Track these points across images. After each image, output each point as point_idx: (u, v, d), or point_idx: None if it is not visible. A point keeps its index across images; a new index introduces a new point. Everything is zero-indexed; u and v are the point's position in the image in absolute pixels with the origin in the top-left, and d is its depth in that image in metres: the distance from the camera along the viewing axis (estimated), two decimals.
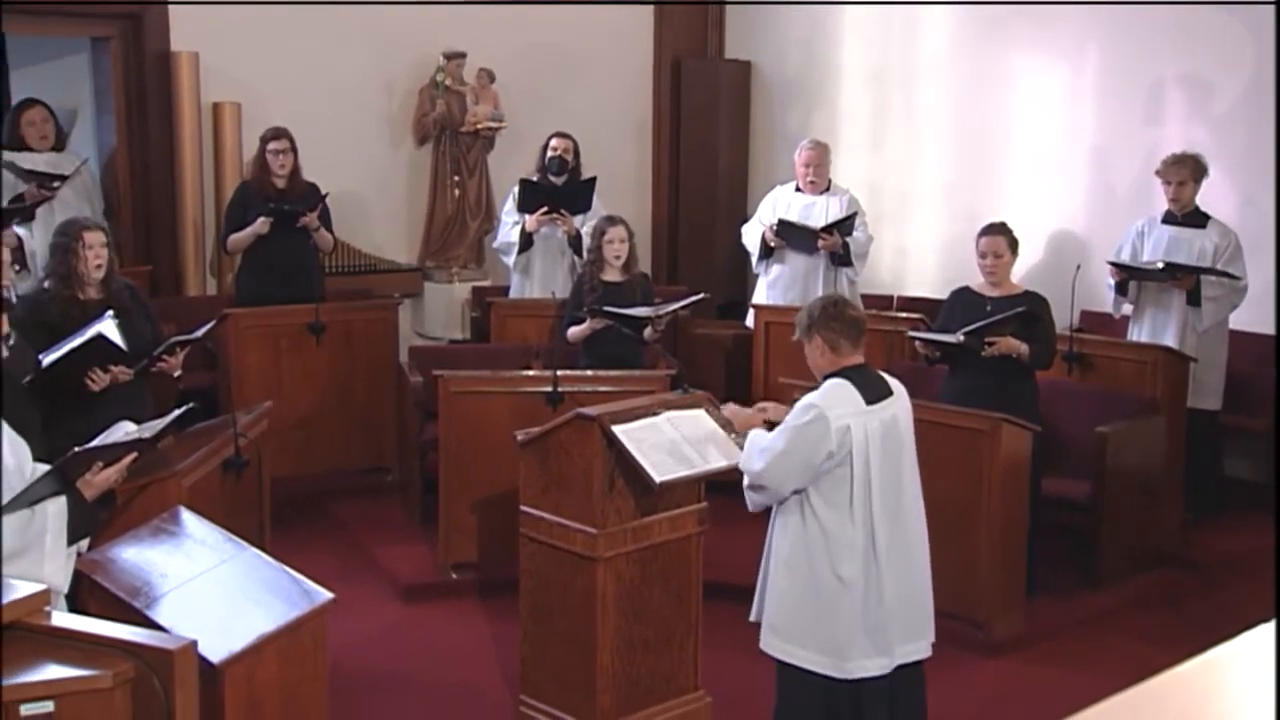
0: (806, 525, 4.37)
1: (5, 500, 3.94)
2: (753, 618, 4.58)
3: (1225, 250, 7.08)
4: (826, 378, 4.42)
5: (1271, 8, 7.35)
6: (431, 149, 9.34)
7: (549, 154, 8.28)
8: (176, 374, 5.80)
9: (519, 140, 9.12)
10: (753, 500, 4.50)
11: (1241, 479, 7.59)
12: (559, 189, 8.13)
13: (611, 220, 7.17)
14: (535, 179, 8.20)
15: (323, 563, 5.83)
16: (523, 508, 5.13)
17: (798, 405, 4.41)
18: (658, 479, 4.76)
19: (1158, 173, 7.22)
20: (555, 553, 5.01)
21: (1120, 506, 6.56)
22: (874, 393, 4.40)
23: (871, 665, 4.37)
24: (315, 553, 6.27)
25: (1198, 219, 7.17)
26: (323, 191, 7.89)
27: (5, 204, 7.20)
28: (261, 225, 7.64)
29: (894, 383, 4.52)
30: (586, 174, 8.28)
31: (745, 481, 4.50)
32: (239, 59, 8.69)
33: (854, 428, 4.30)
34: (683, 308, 7.27)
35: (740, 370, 8.14)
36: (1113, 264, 7.22)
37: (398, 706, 5.48)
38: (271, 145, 7.81)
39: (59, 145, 8.50)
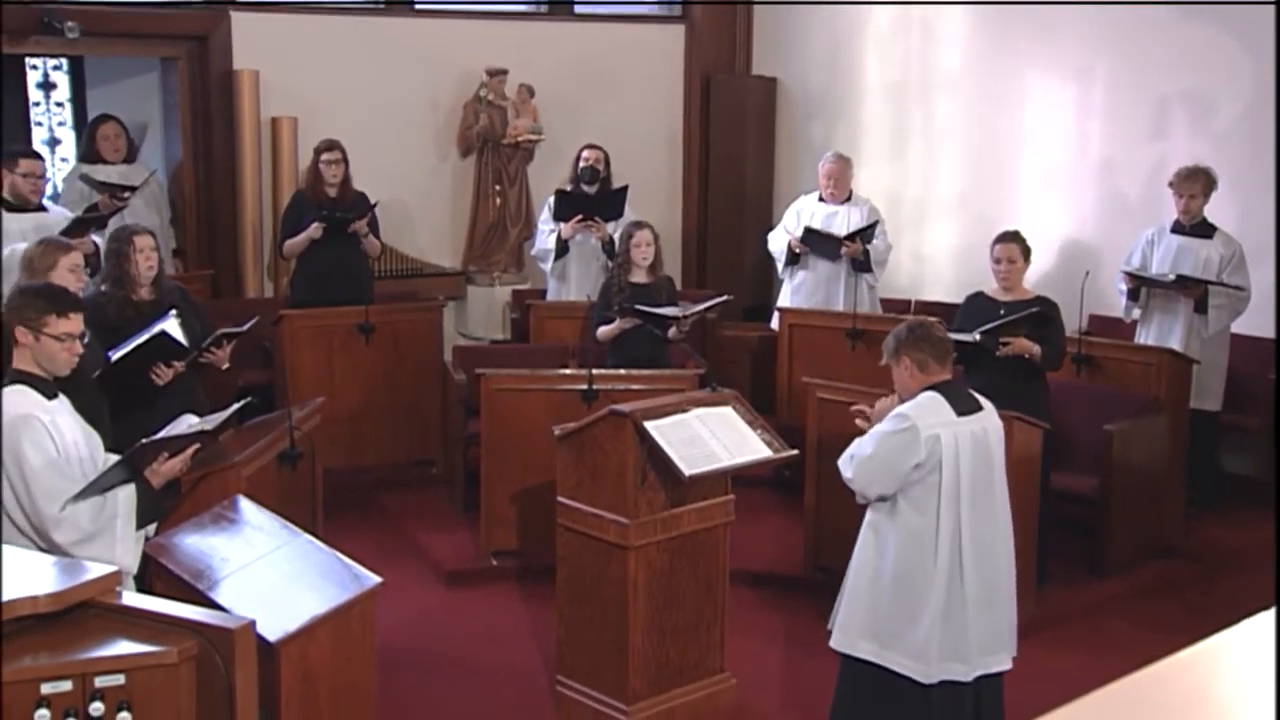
0: (895, 531, 4.31)
1: (80, 488, 4.00)
2: (831, 624, 4.50)
3: (1230, 260, 7.05)
4: (919, 392, 4.35)
5: (1270, 28, 7.31)
6: (475, 160, 9.37)
7: (581, 164, 8.31)
8: (224, 366, 5.81)
9: (557, 152, 9.14)
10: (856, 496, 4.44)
11: (1240, 475, 7.54)
12: (592, 198, 8.15)
13: (639, 224, 7.17)
14: (569, 189, 8.22)
15: (371, 549, 5.85)
16: (559, 498, 5.14)
17: (891, 414, 4.36)
18: (687, 472, 4.76)
19: (1171, 184, 7.19)
20: (590, 541, 5.02)
21: (1125, 500, 6.53)
22: (964, 406, 4.33)
23: (951, 670, 4.29)
24: (364, 539, 6.29)
25: (1204, 229, 7.14)
26: (372, 201, 7.92)
27: (82, 213, 7.27)
28: (315, 230, 7.69)
29: (984, 401, 4.44)
30: (618, 183, 8.30)
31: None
32: (296, 77, 8.75)
33: (944, 437, 4.23)
34: (708, 309, 7.26)
35: (765, 370, 8.13)
36: (1128, 273, 7.19)
37: (441, 684, 5.50)
38: (324, 156, 7.86)
39: (130, 157, 8.62)
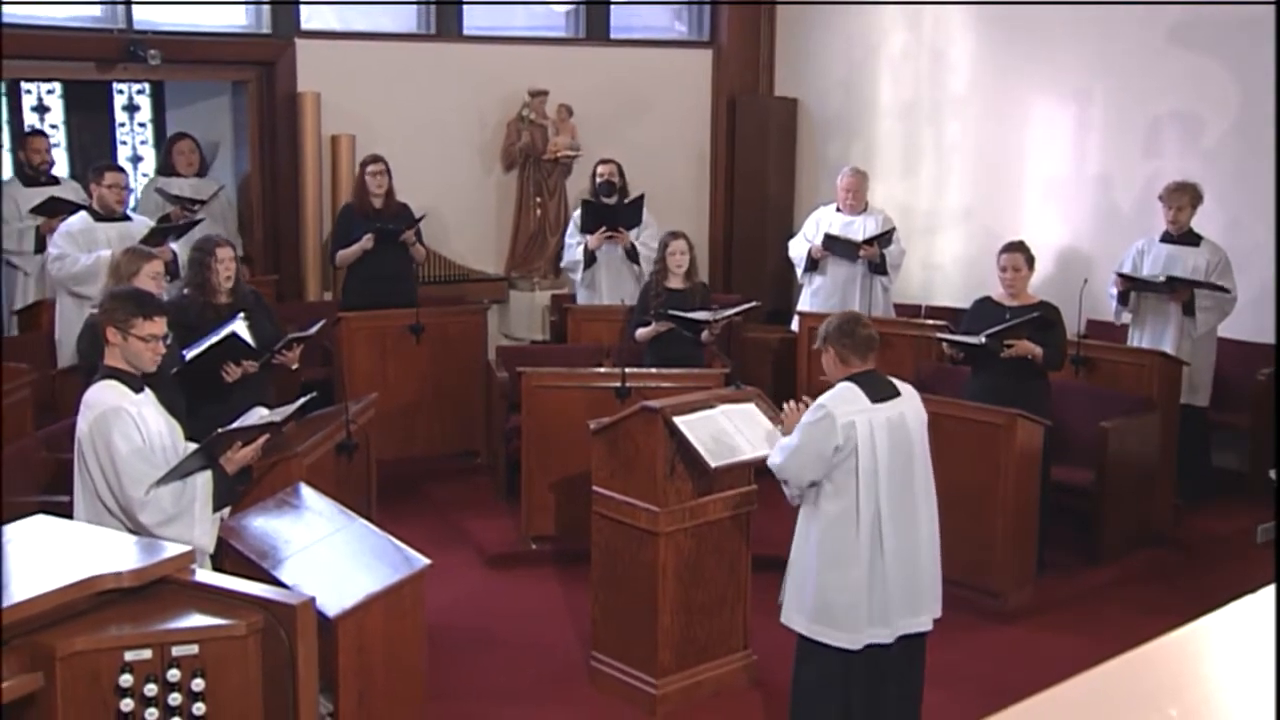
0: (820, 511, 4.32)
1: (163, 474, 4.05)
2: (781, 599, 4.52)
3: (1216, 266, 7.01)
4: (838, 383, 4.39)
5: (1256, 55, 7.26)
6: (517, 174, 9.40)
7: (598, 179, 8.35)
8: (294, 367, 5.86)
9: (593, 167, 9.15)
10: (788, 494, 4.44)
11: (1227, 468, 7.50)
12: (613, 209, 8.16)
13: (674, 234, 7.16)
14: (591, 201, 8.24)
15: (420, 533, 5.85)
16: (594, 488, 5.15)
17: (810, 406, 4.39)
18: (713, 464, 4.77)
19: (1160, 197, 7.15)
20: (622, 528, 5.04)
21: (1119, 492, 6.49)
22: (880, 393, 4.33)
23: (874, 635, 4.30)
24: (414, 525, 6.29)
25: (1192, 238, 7.10)
26: (414, 210, 7.95)
27: (157, 223, 7.34)
28: (367, 241, 7.71)
29: (904, 386, 4.45)
30: (646, 194, 8.28)
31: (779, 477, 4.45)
32: (354, 98, 8.80)
33: (859, 423, 4.24)
34: (737, 314, 7.25)
35: (786, 370, 8.13)
36: (1120, 275, 7.15)
37: (484, 659, 5.52)
38: (370, 168, 7.89)
39: (202, 172, 8.72)
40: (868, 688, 4.37)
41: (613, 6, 9.79)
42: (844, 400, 4.29)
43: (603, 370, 6.76)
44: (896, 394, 4.38)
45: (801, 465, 4.31)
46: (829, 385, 4.49)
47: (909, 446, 4.36)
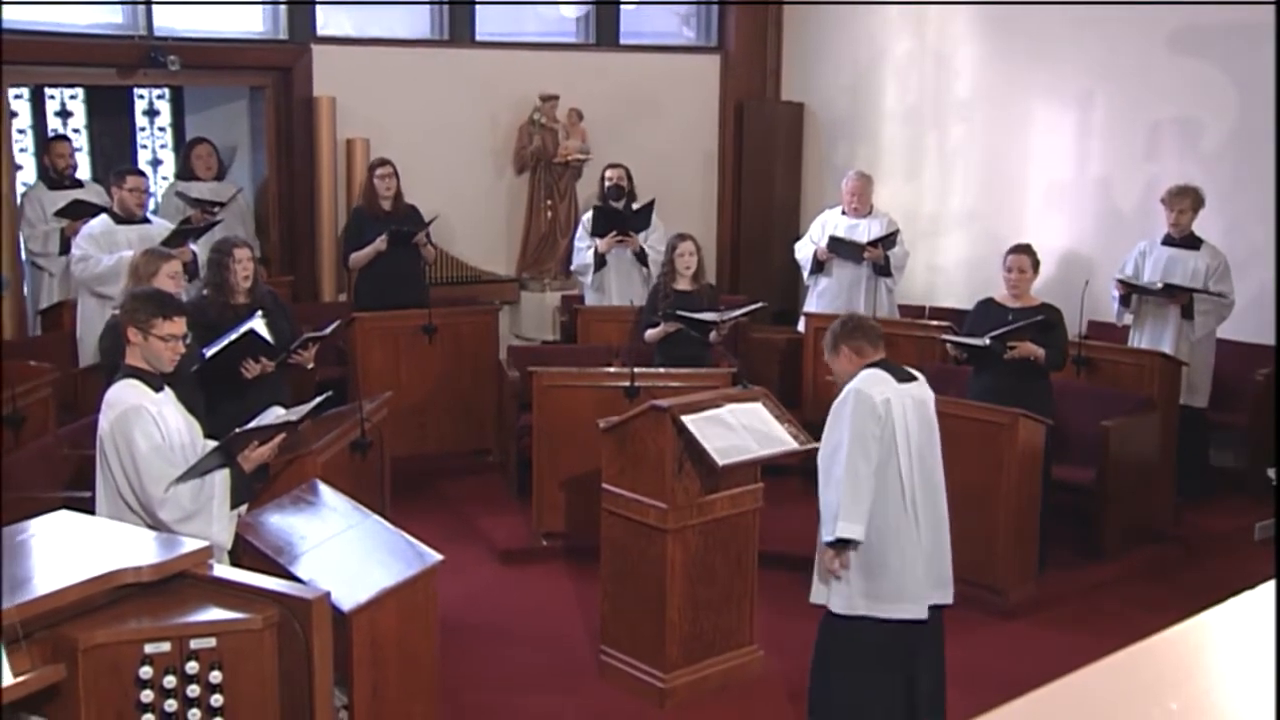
0: None
1: (182, 472, 4.06)
2: (812, 599, 4.53)
3: (1216, 269, 6.99)
4: (859, 371, 4.42)
5: (1254, 61, 7.24)
6: (528, 177, 9.40)
7: (606, 183, 8.35)
8: (309, 366, 5.88)
9: (601, 171, 9.16)
10: (850, 534, 4.29)
11: (1225, 467, 7.48)
12: (623, 214, 8.16)
13: (682, 237, 7.15)
14: (602, 205, 8.24)
15: (433, 529, 5.87)
16: (604, 485, 5.15)
17: (840, 397, 4.40)
18: (720, 462, 4.77)
19: (1162, 200, 7.14)
20: (631, 524, 5.04)
21: (1120, 491, 6.48)
22: (901, 376, 4.42)
23: (913, 608, 4.37)
24: (427, 521, 6.29)
25: (1192, 242, 7.09)
26: (423, 212, 7.95)
27: (178, 226, 7.37)
28: (381, 243, 7.73)
29: (916, 373, 4.53)
30: (646, 195, 8.28)
31: (830, 515, 4.33)
32: (369, 102, 8.81)
33: (893, 401, 4.31)
34: (744, 314, 7.25)
35: (792, 370, 8.11)
36: (1120, 280, 7.14)
37: (495, 652, 5.53)
38: (378, 171, 7.90)
39: (220, 175, 8.74)
40: (902, 661, 4.41)
41: (622, 12, 9.79)
42: (873, 382, 4.35)
43: (612, 370, 6.76)
44: (915, 378, 4.48)
45: (863, 450, 4.26)
46: (834, 384, 4.50)
47: (929, 427, 4.43)
